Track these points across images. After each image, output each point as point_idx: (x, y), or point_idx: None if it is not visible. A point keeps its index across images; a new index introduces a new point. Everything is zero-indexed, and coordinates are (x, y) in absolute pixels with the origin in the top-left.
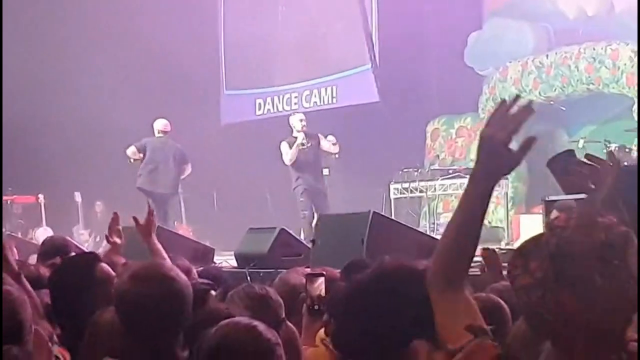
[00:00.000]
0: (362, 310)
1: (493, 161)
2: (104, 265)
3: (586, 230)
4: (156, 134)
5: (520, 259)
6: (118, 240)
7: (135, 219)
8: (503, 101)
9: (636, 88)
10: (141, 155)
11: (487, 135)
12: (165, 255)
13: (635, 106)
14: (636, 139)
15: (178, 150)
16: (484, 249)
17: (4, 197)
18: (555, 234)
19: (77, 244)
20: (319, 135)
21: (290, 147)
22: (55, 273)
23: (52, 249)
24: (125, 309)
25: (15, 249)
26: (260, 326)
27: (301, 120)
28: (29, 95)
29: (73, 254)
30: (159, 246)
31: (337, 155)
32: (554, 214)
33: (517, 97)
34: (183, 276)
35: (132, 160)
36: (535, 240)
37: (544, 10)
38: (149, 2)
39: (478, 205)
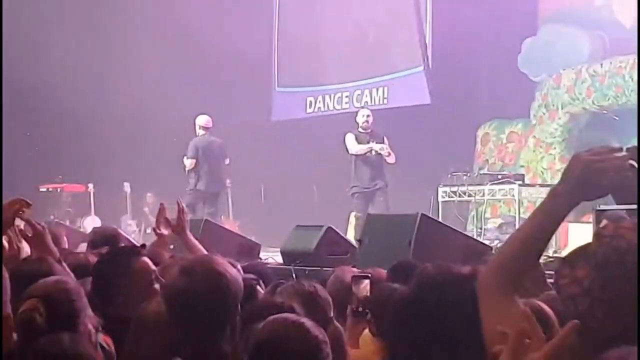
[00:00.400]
0: (408, 323)
1: (582, 183)
2: (144, 259)
3: (633, 240)
4: (198, 131)
5: (567, 268)
6: (165, 232)
7: (166, 219)
8: (615, 148)
9: None
10: (194, 160)
11: (585, 159)
12: (204, 251)
13: None
14: None
15: (220, 146)
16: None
17: (54, 185)
18: (602, 243)
19: (126, 235)
20: (385, 138)
21: (358, 141)
22: (97, 263)
23: (102, 239)
24: (174, 301)
25: (65, 237)
26: (308, 323)
27: (365, 116)
28: (80, 87)
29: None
30: (195, 242)
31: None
32: (604, 223)
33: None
34: (232, 270)
35: (188, 171)
36: (582, 249)
37: (600, 18)
38: None
39: (551, 221)
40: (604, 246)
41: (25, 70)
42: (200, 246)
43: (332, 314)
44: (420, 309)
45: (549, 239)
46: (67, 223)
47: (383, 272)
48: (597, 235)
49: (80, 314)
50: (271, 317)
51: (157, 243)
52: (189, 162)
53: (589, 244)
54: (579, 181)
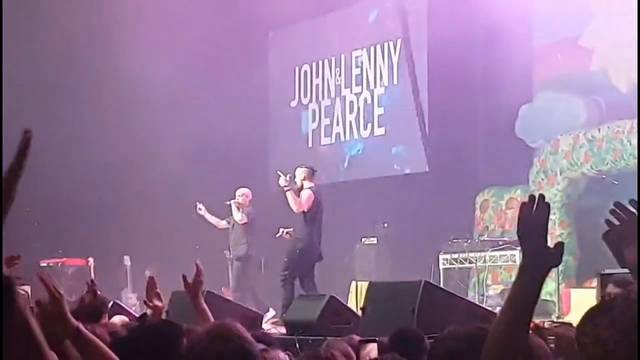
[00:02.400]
0: None
1: (535, 258)
2: None
3: None
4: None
5: (590, 326)
6: (159, 304)
7: (184, 277)
8: (523, 203)
9: None
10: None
11: (523, 236)
12: (212, 318)
13: None
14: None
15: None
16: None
17: (55, 260)
18: (630, 308)
19: (123, 305)
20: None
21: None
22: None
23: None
24: None
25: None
26: None
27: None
28: (80, 159)
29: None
30: (206, 307)
31: None
32: (610, 287)
33: (532, 197)
34: (250, 336)
35: None
36: (604, 310)
37: (596, 83)
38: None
39: (527, 297)
40: (631, 311)
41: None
42: (209, 313)
43: None
44: None
45: (530, 316)
46: (72, 298)
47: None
48: (624, 298)
49: None
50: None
51: (153, 315)
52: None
53: (610, 303)
54: (531, 256)
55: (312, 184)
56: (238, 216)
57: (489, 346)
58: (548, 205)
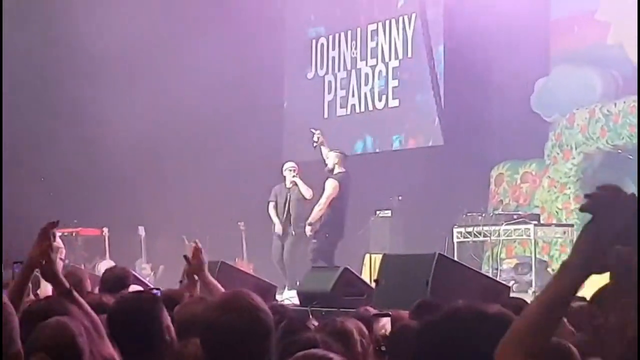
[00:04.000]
0: (433, 351)
1: (594, 257)
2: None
3: None
4: None
5: (598, 308)
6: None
7: (185, 257)
8: (607, 191)
9: None
10: None
11: (594, 231)
12: (222, 290)
13: None
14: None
15: None
16: None
17: (69, 230)
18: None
19: (138, 276)
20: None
21: None
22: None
23: (113, 278)
24: (213, 338)
25: (89, 280)
26: (337, 358)
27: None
28: (92, 131)
29: (133, 286)
30: (214, 281)
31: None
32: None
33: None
34: (266, 306)
35: None
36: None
37: (612, 57)
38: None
39: (567, 293)
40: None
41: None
42: (219, 285)
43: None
44: (446, 345)
45: (565, 312)
46: (83, 267)
47: (403, 312)
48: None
49: (83, 355)
50: (300, 353)
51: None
52: None
53: (614, 282)
54: (592, 253)
55: (343, 169)
56: (307, 192)
57: (517, 333)
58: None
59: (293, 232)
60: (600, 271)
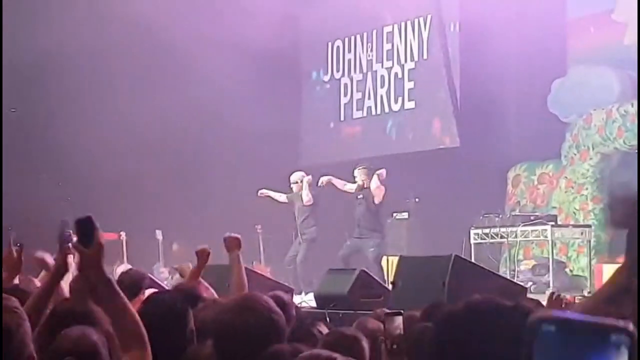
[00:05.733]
0: (452, 342)
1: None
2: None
3: None
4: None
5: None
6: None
7: (178, 267)
8: None
9: None
10: None
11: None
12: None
13: None
14: None
15: None
16: (551, 294)
17: None
18: None
19: (155, 279)
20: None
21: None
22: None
23: (129, 281)
24: (226, 340)
25: None
26: (340, 358)
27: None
28: (111, 137)
29: (150, 289)
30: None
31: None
32: None
33: None
34: (278, 308)
35: None
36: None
37: (629, 57)
38: None
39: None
40: None
41: (56, 123)
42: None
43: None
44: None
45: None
46: None
47: (415, 313)
48: None
49: None
50: (306, 353)
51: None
52: None
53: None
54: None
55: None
56: (306, 196)
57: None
58: None
59: (301, 240)
60: None
